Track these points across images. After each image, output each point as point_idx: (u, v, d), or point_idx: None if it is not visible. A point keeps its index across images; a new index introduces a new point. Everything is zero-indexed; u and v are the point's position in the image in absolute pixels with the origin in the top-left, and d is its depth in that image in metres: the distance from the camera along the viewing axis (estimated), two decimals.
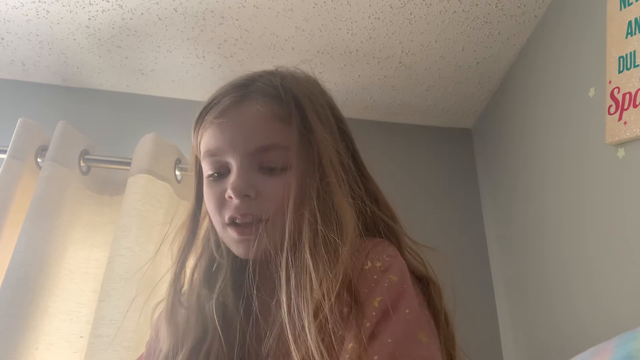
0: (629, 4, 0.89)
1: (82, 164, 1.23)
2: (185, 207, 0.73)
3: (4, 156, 1.15)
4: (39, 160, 1.20)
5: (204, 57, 1.36)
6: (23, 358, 0.99)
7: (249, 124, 0.63)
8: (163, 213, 1.18)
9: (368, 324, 0.52)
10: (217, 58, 1.37)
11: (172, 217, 1.21)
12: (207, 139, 0.65)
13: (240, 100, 0.64)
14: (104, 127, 1.43)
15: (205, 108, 0.66)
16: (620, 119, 0.88)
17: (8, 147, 1.16)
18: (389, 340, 0.50)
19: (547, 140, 1.17)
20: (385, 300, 0.53)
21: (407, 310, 0.53)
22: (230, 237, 0.62)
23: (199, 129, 0.66)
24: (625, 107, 0.87)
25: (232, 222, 0.61)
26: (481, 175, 1.54)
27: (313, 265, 0.56)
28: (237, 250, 0.63)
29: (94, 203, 1.24)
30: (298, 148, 0.62)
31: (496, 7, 1.19)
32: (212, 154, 0.64)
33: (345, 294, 0.54)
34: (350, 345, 0.51)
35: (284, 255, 0.58)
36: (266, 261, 0.62)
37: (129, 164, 1.22)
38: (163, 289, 0.70)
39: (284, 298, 0.56)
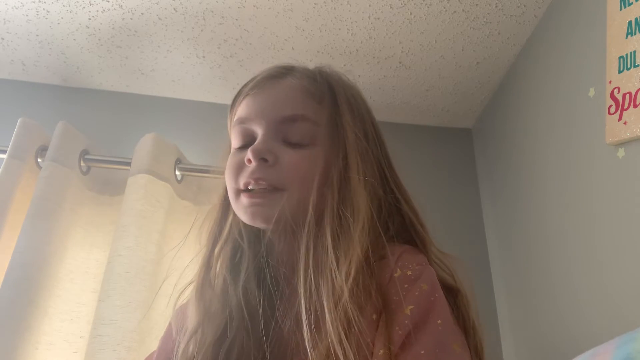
0: (629, 4, 0.89)
1: (82, 164, 1.23)
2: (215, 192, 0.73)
3: (4, 156, 1.15)
4: (39, 160, 1.20)
5: (204, 57, 1.36)
6: (23, 358, 0.99)
7: (280, 94, 0.64)
8: (163, 213, 1.18)
9: (400, 332, 0.51)
10: (217, 58, 1.37)
11: (172, 217, 1.21)
12: (240, 110, 0.66)
13: (277, 74, 0.67)
14: (104, 127, 1.43)
15: (243, 86, 0.68)
16: (620, 119, 0.88)
17: (8, 147, 1.16)
18: (422, 352, 0.50)
19: (547, 140, 1.17)
20: (416, 309, 0.53)
21: (439, 321, 0.53)
22: (241, 204, 0.62)
23: (234, 104, 0.68)
24: (625, 107, 0.87)
25: (245, 189, 0.61)
26: (481, 175, 1.54)
27: (333, 247, 0.56)
28: (246, 217, 0.61)
29: (94, 203, 1.24)
30: (325, 128, 0.63)
31: (496, 7, 1.19)
32: (241, 121, 0.65)
33: (373, 296, 0.54)
34: (381, 351, 0.51)
35: (305, 236, 0.58)
36: (287, 246, 0.62)
37: (129, 164, 1.22)
38: (171, 285, 0.70)
39: (302, 282, 0.56)
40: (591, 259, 0.99)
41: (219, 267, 0.67)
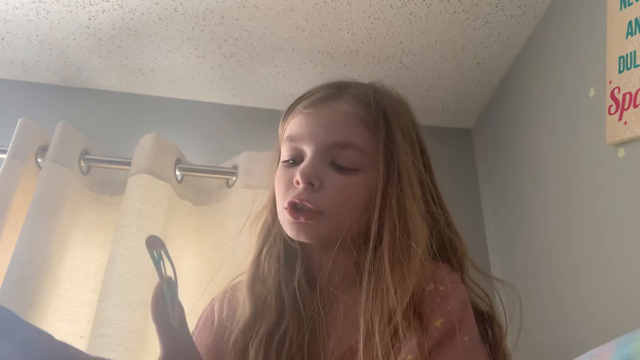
0: (629, 4, 0.89)
1: (82, 164, 1.23)
2: (265, 192, 0.77)
3: (4, 156, 1.15)
4: (39, 160, 1.19)
5: (204, 57, 1.36)
6: None
7: (333, 118, 0.66)
8: (163, 213, 1.18)
9: (429, 342, 0.54)
10: (217, 58, 1.37)
11: (172, 217, 1.21)
12: (292, 126, 0.69)
13: (331, 97, 0.68)
14: (104, 127, 1.42)
15: (297, 99, 0.71)
16: (620, 119, 0.88)
17: (8, 147, 1.16)
18: None
19: (547, 140, 1.17)
20: (447, 323, 0.55)
21: (466, 338, 0.55)
22: (286, 219, 0.65)
23: (287, 117, 0.71)
24: (626, 107, 0.87)
25: (291, 207, 0.64)
26: (481, 176, 1.54)
27: (390, 271, 0.58)
28: (291, 232, 0.65)
29: (94, 203, 1.24)
30: (381, 157, 0.65)
31: (496, 7, 1.19)
32: (292, 139, 0.67)
33: (409, 309, 0.57)
34: (409, 357, 0.53)
35: (366, 258, 0.62)
36: (330, 259, 0.65)
37: (129, 164, 1.22)
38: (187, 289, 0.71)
39: (362, 299, 0.59)
40: (593, 258, 0.99)
41: (269, 263, 0.70)
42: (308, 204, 0.62)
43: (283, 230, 0.69)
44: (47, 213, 1.10)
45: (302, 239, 0.64)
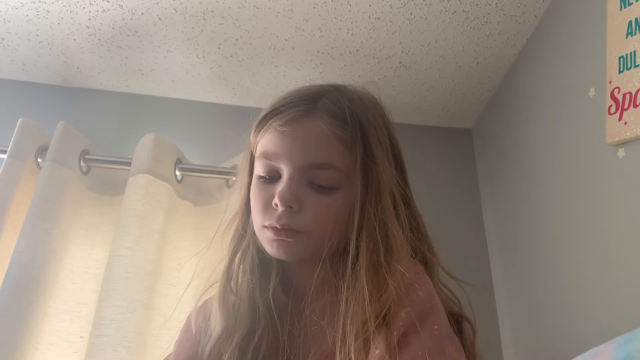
0: (629, 4, 0.89)
1: (82, 164, 1.23)
2: (236, 199, 0.75)
3: (4, 156, 1.15)
4: (39, 160, 1.19)
5: (204, 57, 1.36)
6: (23, 358, 0.99)
7: (310, 139, 0.65)
8: (163, 213, 1.18)
9: (395, 333, 0.54)
10: (217, 58, 1.37)
11: (172, 217, 1.21)
12: (266, 142, 0.67)
13: (305, 114, 0.66)
14: (104, 127, 1.42)
15: (270, 113, 0.68)
16: (620, 119, 0.89)
17: (8, 147, 1.16)
18: (419, 353, 0.52)
19: (547, 140, 1.17)
20: (412, 313, 0.55)
21: (435, 326, 0.55)
22: (266, 236, 0.65)
23: (260, 130, 0.69)
24: (626, 107, 0.87)
25: (271, 226, 0.64)
26: (481, 175, 1.54)
27: (368, 290, 0.58)
28: (271, 250, 0.65)
29: (94, 203, 1.24)
30: (359, 174, 0.64)
31: (496, 7, 1.19)
32: (267, 157, 0.66)
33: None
34: (377, 351, 0.53)
35: (345, 271, 0.61)
36: (309, 267, 0.65)
37: (129, 164, 1.22)
38: (172, 286, 0.71)
39: (339, 312, 0.59)
40: (593, 257, 0.99)
41: (242, 272, 0.69)
42: (288, 227, 0.63)
43: (257, 239, 0.69)
44: (47, 213, 1.10)
45: (282, 256, 0.64)
